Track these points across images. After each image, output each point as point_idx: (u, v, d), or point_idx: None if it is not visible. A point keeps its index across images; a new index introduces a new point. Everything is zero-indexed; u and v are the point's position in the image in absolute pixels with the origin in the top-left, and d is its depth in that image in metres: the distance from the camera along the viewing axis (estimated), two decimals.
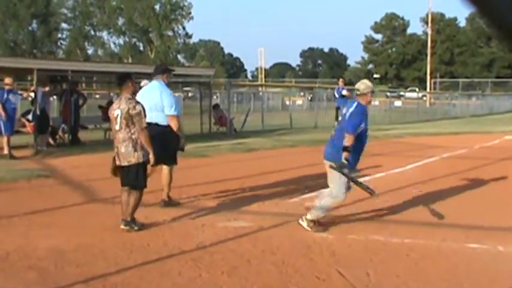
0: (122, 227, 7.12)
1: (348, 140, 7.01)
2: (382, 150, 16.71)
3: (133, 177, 7.16)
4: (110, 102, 20.78)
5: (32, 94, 15.82)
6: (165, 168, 8.48)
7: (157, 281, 5.32)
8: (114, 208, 8.35)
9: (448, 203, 9.16)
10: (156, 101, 8.33)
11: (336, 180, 7.15)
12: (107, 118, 18.96)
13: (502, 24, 1.05)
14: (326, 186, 7.45)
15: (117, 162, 7.21)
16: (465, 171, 12.64)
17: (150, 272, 5.56)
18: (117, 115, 7.12)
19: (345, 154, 6.95)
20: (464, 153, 16.17)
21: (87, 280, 5.28)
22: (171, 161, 8.47)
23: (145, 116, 7.15)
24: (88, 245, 6.41)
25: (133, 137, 7.07)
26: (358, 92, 7.52)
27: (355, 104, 7.39)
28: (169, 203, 8.47)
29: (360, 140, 7.25)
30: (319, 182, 10.71)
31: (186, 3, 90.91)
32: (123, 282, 5.28)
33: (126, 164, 7.12)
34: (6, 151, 13.64)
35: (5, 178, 10.65)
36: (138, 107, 7.10)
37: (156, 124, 8.26)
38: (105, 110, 19.54)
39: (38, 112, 15.09)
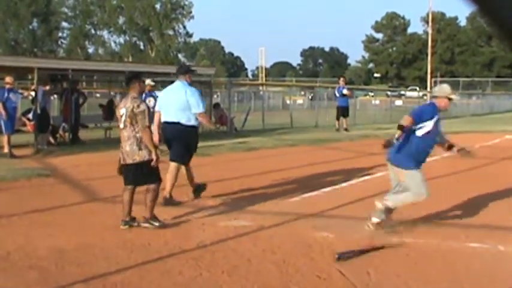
0: (122, 227, 7.13)
1: (404, 120, 6.80)
2: (382, 149, 16.70)
3: (137, 176, 7.18)
4: (111, 101, 20.84)
5: (33, 93, 15.83)
6: (172, 165, 8.55)
7: (157, 281, 5.32)
8: (114, 207, 8.35)
9: (448, 202, 9.15)
10: (182, 100, 8.54)
11: (411, 182, 6.94)
12: (107, 117, 19.10)
13: (503, 24, 1.05)
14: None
15: (122, 161, 7.24)
16: (465, 170, 12.62)
17: (151, 272, 5.56)
18: (123, 114, 7.19)
19: (397, 134, 6.80)
20: None
21: (87, 279, 5.28)
22: (184, 160, 8.61)
23: (149, 115, 7.18)
24: (89, 245, 6.41)
25: (137, 135, 7.11)
26: (434, 94, 7.32)
27: (428, 102, 7.26)
28: (170, 201, 8.46)
29: (426, 143, 7.05)
30: (319, 181, 10.72)
31: (186, 2, 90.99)
32: (123, 281, 5.28)
33: (130, 162, 7.16)
34: (6, 150, 13.65)
35: (6, 177, 10.65)
36: (142, 106, 7.15)
37: (179, 123, 8.50)
38: (105, 108, 19.58)
39: (38, 111, 15.09)
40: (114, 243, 6.48)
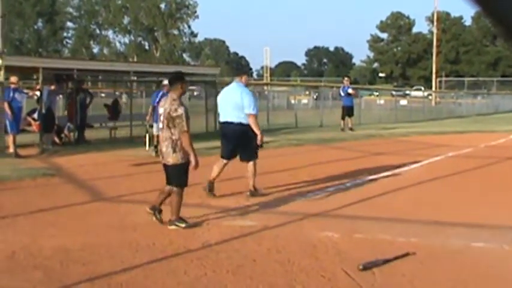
0: (147, 209, 7.38)
1: None
2: (388, 149, 16.71)
3: (171, 177, 7.25)
4: (116, 101, 20.85)
5: (38, 93, 15.86)
6: (250, 164, 9.14)
7: (162, 280, 5.32)
8: (119, 207, 8.38)
9: (453, 201, 9.15)
10: (238, 101, 9.02)
11: None
12: (112, 117, 19.08)
13: (507, 24, 1.04)
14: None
15: (161, 159, 7.37)
16: (471, 170, 12.62)
17: (156, 271, 5.56)
18: (161, 113, 7.26)
19: None
20: (469, 152, 16.13)
21: (92, 279, 5.29)
22: (253, 156, 9.13)
23: (187, 119, 7.15)
24: (94, 244, 6.42)
25: (173, 137, 7.11)
26: None
27: None
28: (255, 193, 9.11)
29: None
30: (324, 181, 10.71)
31: (191, 2, 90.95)
32: (128, 281, 5.28)
33: (165, 162, 7.25)
34: (11, 150, 13.67)
35: (11, 177, 10.68)
36: (180, 110, 7.08)
37: (240, 123, 8.99)
38: (110, 108, 19.60)
39: (43, 111, 15.12)
40: (119, 243, 6.49)
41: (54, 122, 15.86)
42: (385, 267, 5.70)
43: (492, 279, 5.55)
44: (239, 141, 9.06)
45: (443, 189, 10.35)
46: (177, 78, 7.42)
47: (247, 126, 9.00)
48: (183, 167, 7.15)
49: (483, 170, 12.77)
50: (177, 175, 7.18)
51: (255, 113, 9.10)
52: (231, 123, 9.05)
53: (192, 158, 7.09)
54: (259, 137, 9.01)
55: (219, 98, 9.60)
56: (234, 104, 9.03)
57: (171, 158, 7.14)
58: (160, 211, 7.32)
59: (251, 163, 9.15)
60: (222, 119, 9.31)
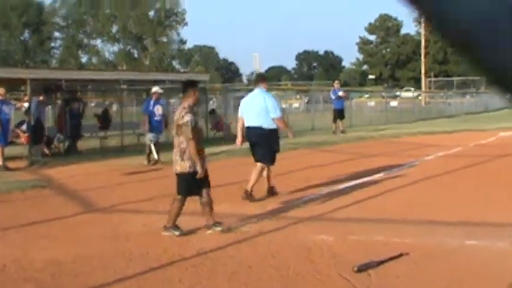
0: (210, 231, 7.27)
1: None
2: (379, 150, 16.72)
3: (177, 184, 7.21)
4: (106, 110, 20.76)
5: (26, 104, 15.76)
6: (258, 165, 9.28)
7: None
8: (112, 217, 8.32)
9: (445, 201, 9.14)
10: (262, 106, 9.36)
11: None
12: (102, 126, 18.99)
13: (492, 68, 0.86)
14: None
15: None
16: (461, 169, 12.63)
17: (150, 280, 5.51)
18: (174, 122, 7.31)
19: None
20: (459, 151, 16.17)
21: None
22: (264, 159, 9.31)
23: (195, 127, 7.13)
24: (86, 256, 6.35)
25: (181, 146, 7.10)
26: None
27: None
28: (250, 197, 9.14)
29: None
30: (317, 184, 10.69)
31: (180, 10, 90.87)
32: None
33: (173, 170, 7.22)
34: (0, 162, 13.55)
35: (0, 190, 10.58)
36: (186, 118, 7.06)
37: (261, 128, 9.30)
38: (100, 118, 19.51)
39: (32, 122, 15.02)
40: (112, 253, 6.43)
41: (44, 133, 15.77)
42: (380, 268, 5.67)
43: (486, 277, 5.53)
44: (256, 143, 9.37)
45: (435, 188, 10.34)
46: (189, 85, 7.45)
47: (266, 130, 9.31)
48: (189, 177, 7.09)
49: (473, 169, 12.78)
50: (180, 183, 7.14)
51: (280, 115, 9.56)
52: (253, 127, 9.36)
53: (197, 167, 7.05)
54: (290, 134, 10.49)
55: (243, 103, 9.92)
56: (258, 109, 9.35)
57: (179, 166, 7.12)
58: (217, 223, 7.25)
59: (259, 165, 9.30)
60: (246, 124, 9.57)
